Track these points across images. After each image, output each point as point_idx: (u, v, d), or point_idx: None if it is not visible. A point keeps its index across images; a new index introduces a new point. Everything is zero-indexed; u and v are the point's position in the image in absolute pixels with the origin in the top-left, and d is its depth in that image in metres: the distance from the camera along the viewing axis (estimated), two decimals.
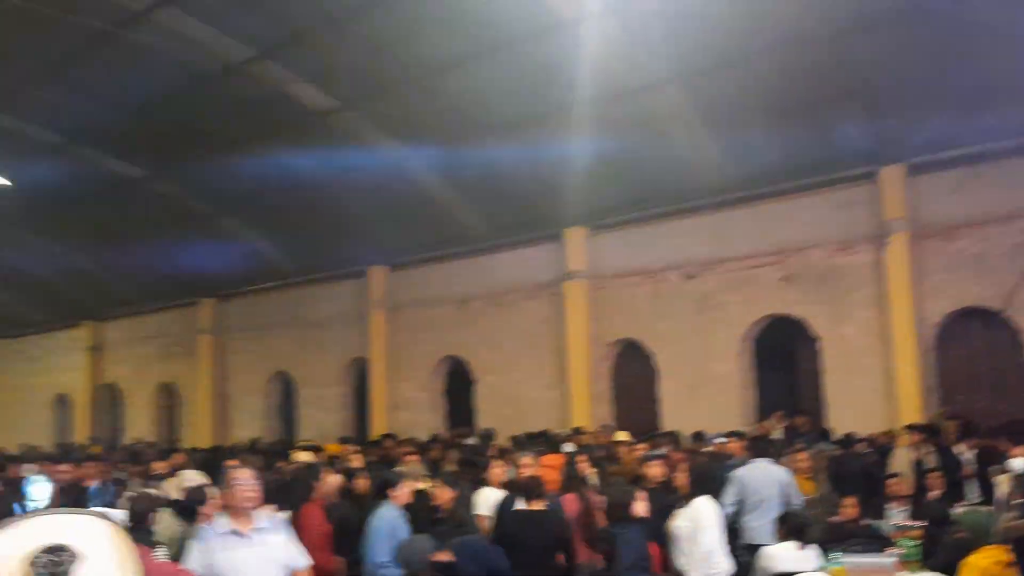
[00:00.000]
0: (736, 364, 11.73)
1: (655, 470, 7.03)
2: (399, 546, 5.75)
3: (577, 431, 11.42)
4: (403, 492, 6.57)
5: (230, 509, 4.62)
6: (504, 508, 6.75)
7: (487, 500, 6.83)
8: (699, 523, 6.26)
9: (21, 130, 14.20)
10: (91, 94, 12.85)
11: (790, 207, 11.21)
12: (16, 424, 24.57)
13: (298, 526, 7.10)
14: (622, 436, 10.14)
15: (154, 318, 21.07)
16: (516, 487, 6.64)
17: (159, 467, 9.08)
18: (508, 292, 14.14)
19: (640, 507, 5.94)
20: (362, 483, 7.98)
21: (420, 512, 7.29)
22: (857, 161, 10.48)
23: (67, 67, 12.01)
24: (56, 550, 2.00)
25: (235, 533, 4.52)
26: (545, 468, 8.22)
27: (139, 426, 21.27)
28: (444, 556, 5.44)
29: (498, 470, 7.27)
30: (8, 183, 14.94)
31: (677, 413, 11.97)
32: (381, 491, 6.66)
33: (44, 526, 2.03)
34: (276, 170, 14.03)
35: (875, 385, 10.50)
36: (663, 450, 8.83)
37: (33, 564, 2.02)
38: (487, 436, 11.54)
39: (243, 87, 11.99)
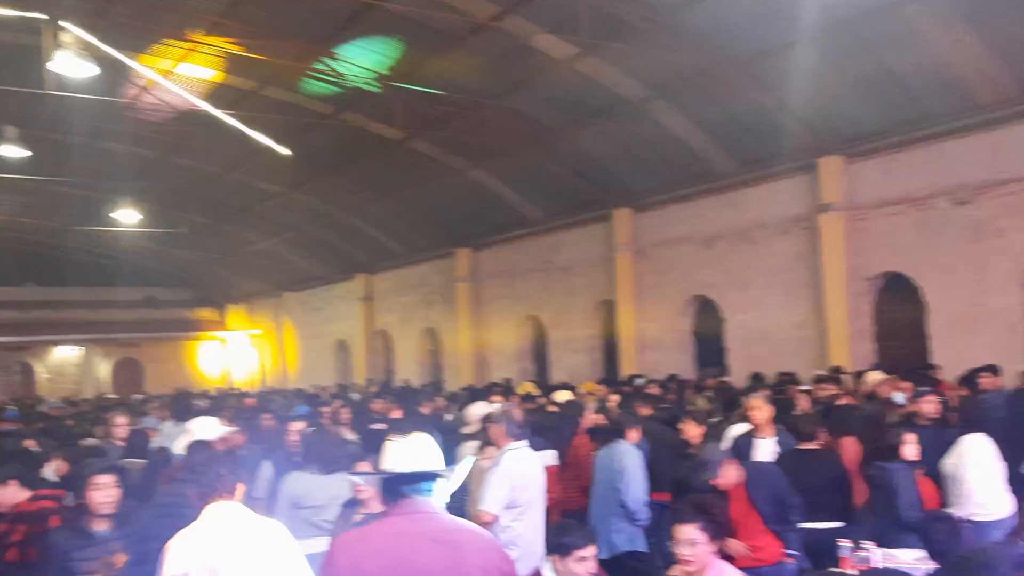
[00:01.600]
0: (1019, 296, 10.69)
1: (930, 406, 6.70)
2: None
3: (837, 370, 11.01)
4: (636, 431, 6.74)
5: None
6: (781, 447, 6.73)
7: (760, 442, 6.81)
8: (964, 461, 5.96)
9: (297, 102, 15.69)
10: (353, 64, 13.90)
11: None
12: (309, 367, 27.68)
13: (571, 458, 7.56)
14: (875, 376, 9.65)
15: (416, 269, 22.70)
16: (791, 427, 6.61)
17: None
18: (758, 228, 13.76)
19: (909, 450, 5.75)
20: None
21: (671, 448, 7.50)
22: None
23: (334, 41, 13.06)
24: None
25: None
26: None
27: (407, 369, 23.16)
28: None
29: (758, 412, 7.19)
30: (288, 152, 16.48)
31: (949, 351, 11.13)
32: (616, 431, 6.85)
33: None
34: (522, 121, 14.51)
35: None
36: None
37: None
38: (757, 378, 11.29)
39: (489, 44, 12.46)
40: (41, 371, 31.92)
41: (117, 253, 27.78)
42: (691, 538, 3.84)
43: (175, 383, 28.88)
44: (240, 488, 3.78)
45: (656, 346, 15.73)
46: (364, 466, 4.66)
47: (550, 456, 7.61)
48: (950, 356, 10.91)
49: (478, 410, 7.38)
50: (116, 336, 31.64)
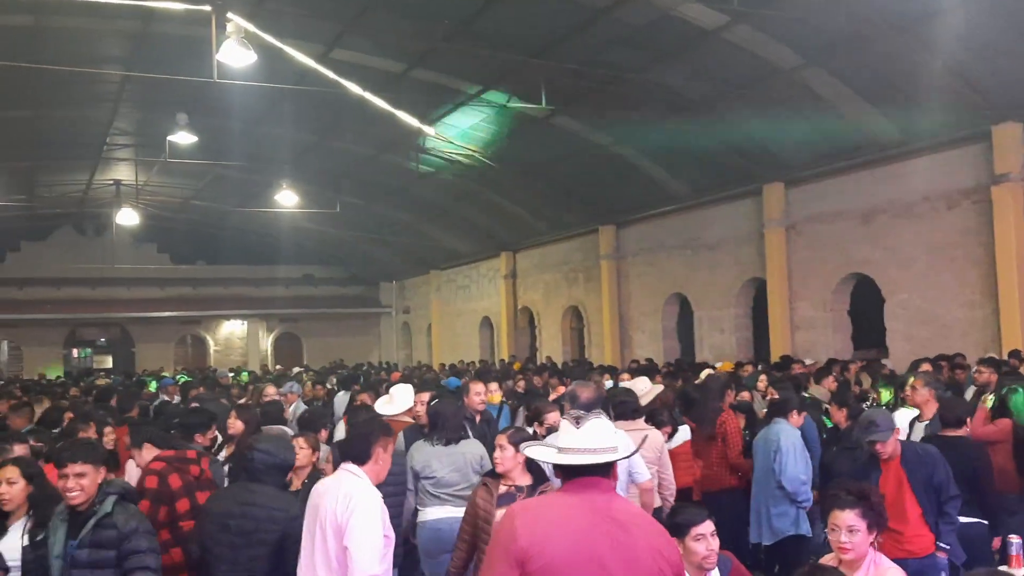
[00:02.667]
0: None
1: None
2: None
3: (1015, 355, 10.22)
4: (799, 414, 6.62)
5: None
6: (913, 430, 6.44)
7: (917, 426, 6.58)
8: None
9: (440, 82, 15.94)
10: (496, 43, 13.96)
11: None
12: (455, 343, 28.37)
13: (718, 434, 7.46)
14: None
15: (560, 247, 22.75)
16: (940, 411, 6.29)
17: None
18: (922, 201, 12.90)
19: None
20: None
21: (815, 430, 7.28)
22: None
23: (474, 21, 13.16)
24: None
25: None
26: None
27: (550, 346, 23.30)
28: None
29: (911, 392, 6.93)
30: (432, 131, 16.78)
31: None
32: (779, 411, 6.75)
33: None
34: (668, 94, 14.17)
35: None
36: None
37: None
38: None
39: (634, 15, 12.19)
40: (211, 344, 34.21)
41: (277, 233, 29.31)
42: (850, 525, 3.72)
43: (331, 357, 30.29)
44: (378, 455, 4.06)
45: (808, 326, 15.10)
46: (502, 438, 4.72)
47: (684, 433, 7.49)
48: None
49: (642, 386, 7.30)
50: (277, 312, 33.54)
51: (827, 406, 7.59)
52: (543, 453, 3.20)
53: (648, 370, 12.07)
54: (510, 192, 21.56)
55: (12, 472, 4.54)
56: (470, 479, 5.54)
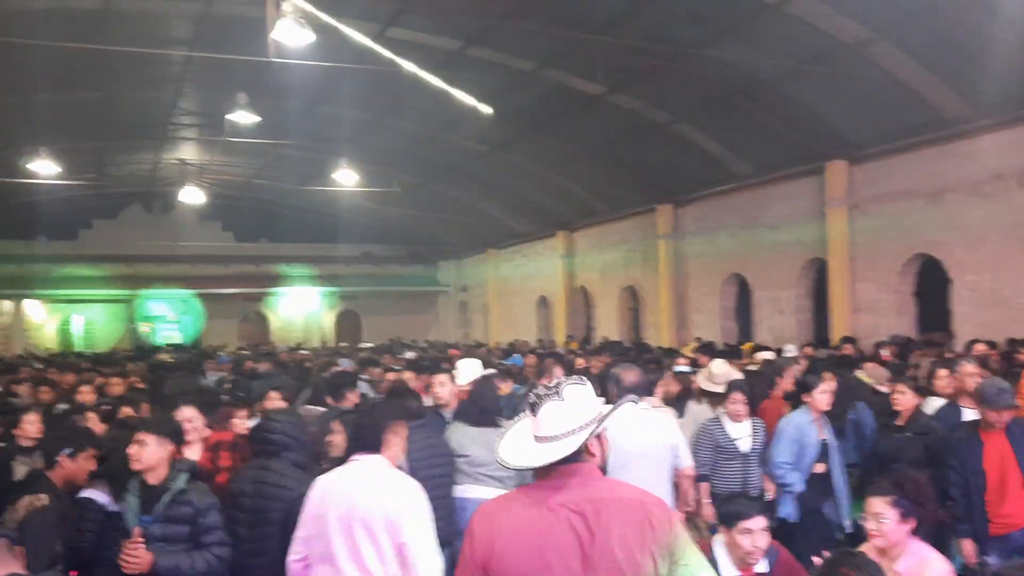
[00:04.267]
0: None
1: None
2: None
3: None
4: (822, 398, 6.42)
5: None
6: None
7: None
8: None
9: (500, 61, 15.88)
10: (555, 21, 13.85)
11: None
12: (511, 322, 28.43)
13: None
14: None
15: (617, 226, 22.57)
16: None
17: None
18: (993, 180, 12.43)
19: None
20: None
21: (881, 417, 7.07)
22: None
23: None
24: (554, 386, 2.70)
25: None
26: None
27: (606, 326, 23.20)
28: None
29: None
30: (491, 111, 16.74)
31: None
32: (800, 393, 6.63)
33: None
34: (729, 71, 13.87)
35: None
36: None
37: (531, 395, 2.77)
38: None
39: None
40: (273, 320, 34.89)
41: (337, 211, 29.68)
42: (878, 512, 3.69)
43: (390, 334, 30.65)
44: (390, 441, 3.91)
45: (871, 308, 14.73)
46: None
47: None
48: None
49: (721, 370, 7.21)
50: (336, 289, 34.03)
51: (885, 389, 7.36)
52: (514, 455, 2.72)
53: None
54: (568, 171, 21.44)
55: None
56: None
